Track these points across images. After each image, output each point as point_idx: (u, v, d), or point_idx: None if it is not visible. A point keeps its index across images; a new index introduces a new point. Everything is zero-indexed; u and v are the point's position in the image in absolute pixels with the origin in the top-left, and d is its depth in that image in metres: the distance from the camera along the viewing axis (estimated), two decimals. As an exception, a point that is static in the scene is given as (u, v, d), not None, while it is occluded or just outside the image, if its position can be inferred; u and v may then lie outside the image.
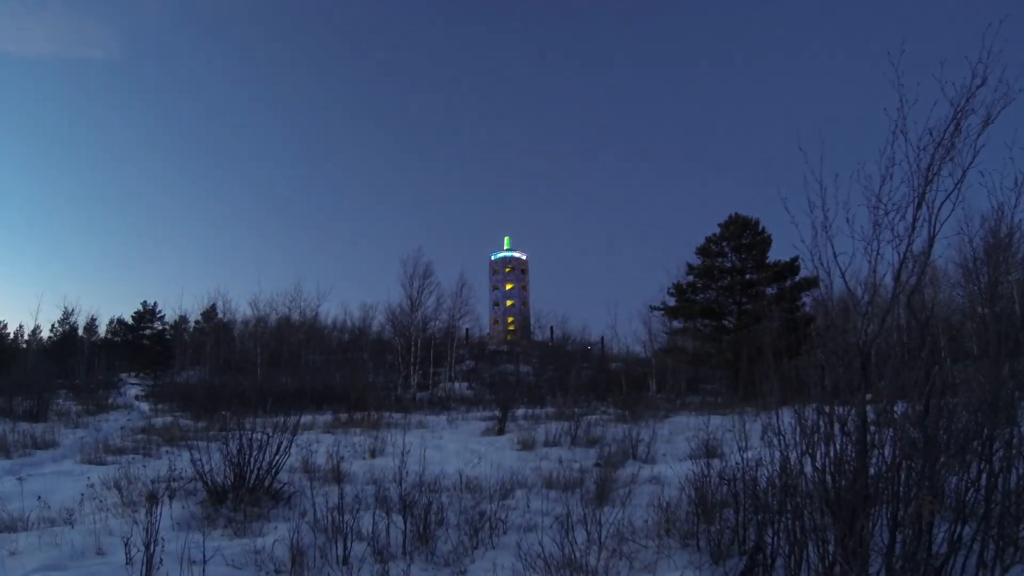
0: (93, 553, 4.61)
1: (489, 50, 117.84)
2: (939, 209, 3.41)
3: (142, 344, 40.70)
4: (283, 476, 6.78)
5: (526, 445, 11.04)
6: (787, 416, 3.89)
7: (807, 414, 3.67)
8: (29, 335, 39.93)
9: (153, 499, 4.73)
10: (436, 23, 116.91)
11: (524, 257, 68.27)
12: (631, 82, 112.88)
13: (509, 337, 59.14)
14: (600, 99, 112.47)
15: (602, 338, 44.60)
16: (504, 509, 5.75)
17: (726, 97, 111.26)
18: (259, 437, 6.41)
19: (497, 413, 15.04)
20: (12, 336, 42.01)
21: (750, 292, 27.06)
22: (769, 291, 26.57)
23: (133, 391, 28.86)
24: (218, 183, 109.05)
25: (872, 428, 3.41)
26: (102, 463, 9.09)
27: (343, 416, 16.32)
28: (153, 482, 6.83)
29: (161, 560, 3.79)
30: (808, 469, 3.60)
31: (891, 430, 3.38)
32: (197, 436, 11.05)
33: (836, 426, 3.47)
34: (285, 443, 6.63)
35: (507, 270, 67.07)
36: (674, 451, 10.14)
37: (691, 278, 29.14)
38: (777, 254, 27.47)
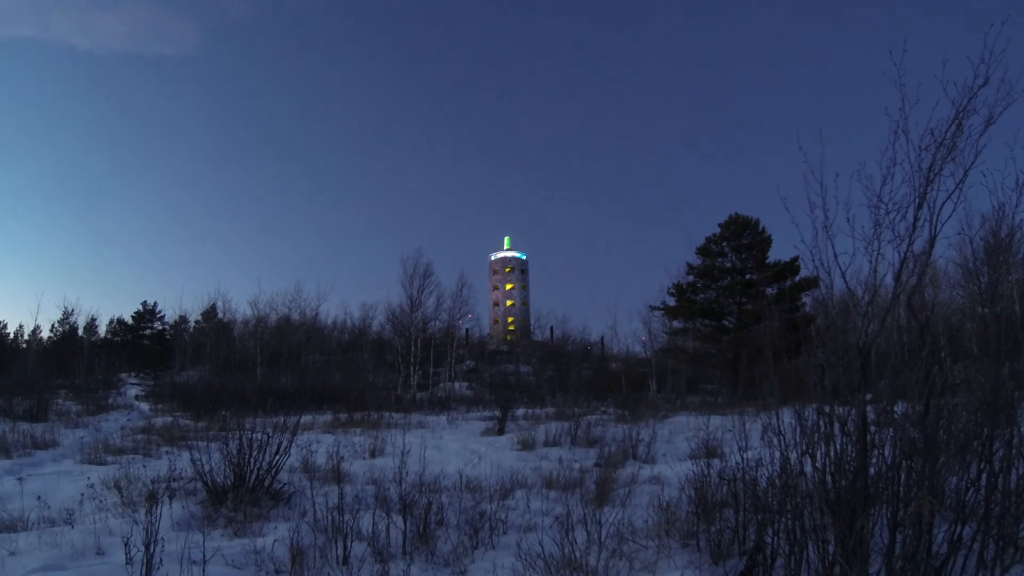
0: (93, 553, 4.61)
1: (490, 49, 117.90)
2: (940, 209, 3.40)
3: (142, 344, 40.75)
4: (283, 476, 6.78)
5: (526, 445, 11.03)
6: (787, 416, 3.89)
7: (807, 414, 3.67)
8: (29, 335, 39.88)
9: (153, 499, 4.72)
10: (437, 21, 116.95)
11: (524, 257, 68.24)
12: (631, 82, 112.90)
13: (509, 337, 59.12)
14: (600, 99, 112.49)
15: (602, 338, 44.58)
16: (504, 509, 5.74)
17: (726, 97, 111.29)
18: (259, 437, 6.41)
19: (497, 413, 15.03)
20: (12, 336, 42.07)
21: (750, 292, 27.07)
22: (769, 291, 26.58)
23: (133, 391, 28.83)
24: (218, 183, 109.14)
25: (872, 428, 3.41)
26: (102, 463, 9.08)
27: (343, 416, 16.31)
28: (153, 482, 6.83)
29: (161, 560, 3.78)
30: (808, 469, 3.60)
31: (891, 430, 3.38)
32: (197, 436, 11.04)
33: (836, 426, 3.47)
34: (285, 443, 6.63)
35: (507, 270, 67.01)
36: (674, 451, 10.14)
37: (691, 278, 29.16)
38: (777, 254, 27.54)
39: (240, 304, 75.31)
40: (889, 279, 3.57)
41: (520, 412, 16.78)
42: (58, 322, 41.13)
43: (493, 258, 67.84)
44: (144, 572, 3.72)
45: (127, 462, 8.63)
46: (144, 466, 8.25)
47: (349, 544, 4.52)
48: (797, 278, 25.91)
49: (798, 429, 3.69)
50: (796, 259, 24.55)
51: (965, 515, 3.35)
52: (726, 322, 27.96)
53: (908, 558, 3.15)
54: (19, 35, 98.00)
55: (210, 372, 31.77)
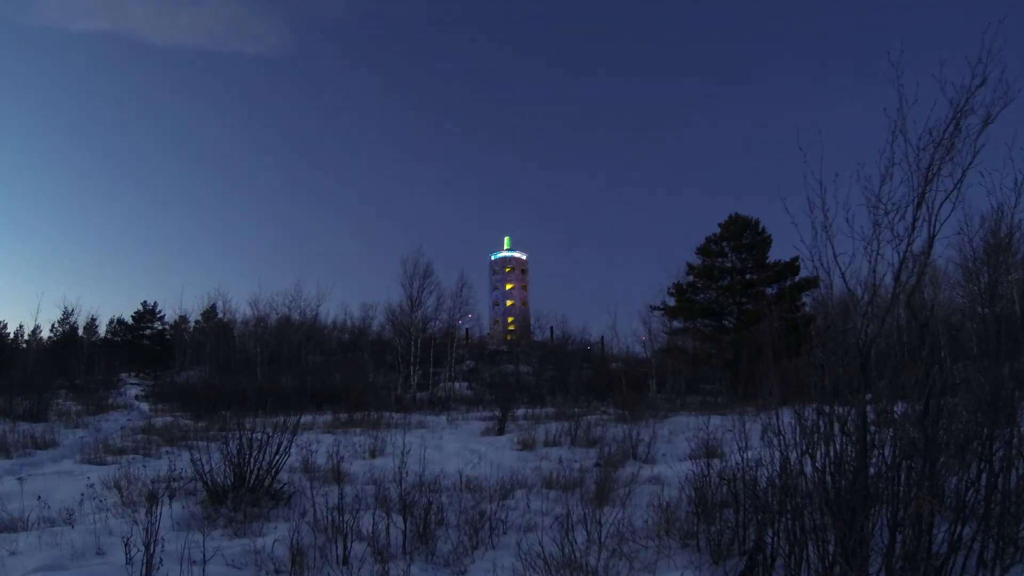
0: (93, 553, 4.61)
1: (490, 51, 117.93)
2: (939, 209, 3.41)
3: (142, 344, 40.72)
4: (283, 476, 6.78)
5: (526, 445, 11.03)
6: (787, 416, 3.89)
7: (807, 414, 3.67)
8: (29, 335, 39.81)
9: (153, 499, 4.72)
10: (438, 25, 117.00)
11: (524, 257, 68.19)
12: (631, 82, 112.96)
13: (509, 337, 59.07)
14: (600, 100, 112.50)
15: (602, 338, 44.56)
16: (504, 509, 5.74)
17: (726, 97, 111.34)
18: (259, 437, 6.41)
19: (497, 413, 15.03)
20: (12, 336, 41.97)
21: (750, 292, 27.06)
22: (769, 291, 26.59)
23: (133, 391, 28.85)
24: (218, 183, 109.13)
25: (872, 428, 3.41)
26: (102, 463, 9.09)
27: (343, 416, 16.32)
28: (153, 482, 6.83)
29: (161, 560, 3.79)
30: (808, 469, 3.60)
31: (891, 430, 3.38)
32: (197, 436, 11.04)
33: (836, 426, 3.47)
34: (285, 443, 6.63)
35: (507, 270, 66.97)
36: (674, 451, 10.13)
37: (691, 278, 29.14)
38: (777, 254, 27.53)
39: (240, 304, 75.55)
40: (889, 279, 3.58)
41: (520, 412, 16.79)
42: (58, 322, 41.09)
43: (493, 258, 67.82)
44: (144, 572, 3.72)
45: (127, 462, 8.62)
46: (144, 466, 8.25)
47: (349, 544, 4.52)
48: (797, 278, 25.91)
49: (798, 429, 3.69)
50: (796, 259, 24.58)
51: (965, 515, 3.35)
52: (726, 322, 27.95)
53: (908, 558, 3.15)
54: (94, 29, 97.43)
55: (210, 372, 31.73)
